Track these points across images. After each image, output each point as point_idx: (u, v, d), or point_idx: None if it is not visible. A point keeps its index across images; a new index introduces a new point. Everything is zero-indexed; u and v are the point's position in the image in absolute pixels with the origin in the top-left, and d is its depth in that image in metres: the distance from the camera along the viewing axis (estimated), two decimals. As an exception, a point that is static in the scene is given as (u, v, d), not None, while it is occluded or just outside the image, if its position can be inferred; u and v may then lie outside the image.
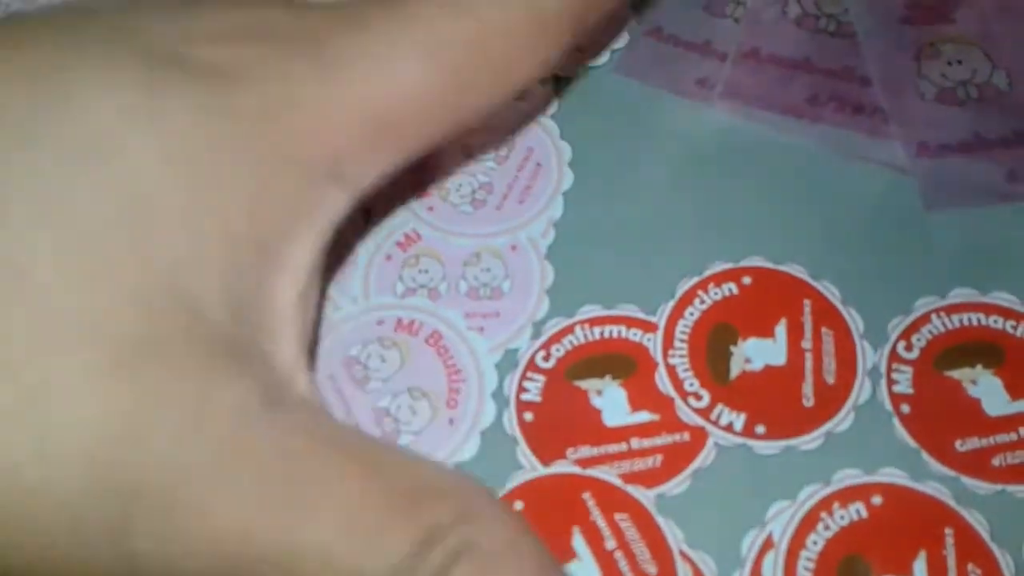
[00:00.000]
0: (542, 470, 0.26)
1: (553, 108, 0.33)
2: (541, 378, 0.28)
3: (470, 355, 0.28)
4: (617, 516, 0.25)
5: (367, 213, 0.30)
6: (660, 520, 0.25)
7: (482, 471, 0.26)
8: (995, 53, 0.34)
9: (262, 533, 0.15)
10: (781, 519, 0.25)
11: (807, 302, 0.29)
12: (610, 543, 0.25)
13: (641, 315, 0.29)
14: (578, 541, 0.25)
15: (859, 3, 0.35)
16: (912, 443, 0.26)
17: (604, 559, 0.25)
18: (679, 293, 0.29)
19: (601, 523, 0.25)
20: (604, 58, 0.34)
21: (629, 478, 0.26)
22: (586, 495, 0.26)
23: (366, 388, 0.28)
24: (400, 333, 0.29)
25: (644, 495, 0.26)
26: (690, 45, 0.34)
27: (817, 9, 0.35)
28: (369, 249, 0.30)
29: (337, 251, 0.29)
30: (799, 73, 0.33)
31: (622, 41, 0.34)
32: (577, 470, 0.26)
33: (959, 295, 0.29)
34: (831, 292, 0.29)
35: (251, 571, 0.15)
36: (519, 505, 0.26)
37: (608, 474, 0.26)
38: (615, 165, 0.32)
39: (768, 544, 0.25)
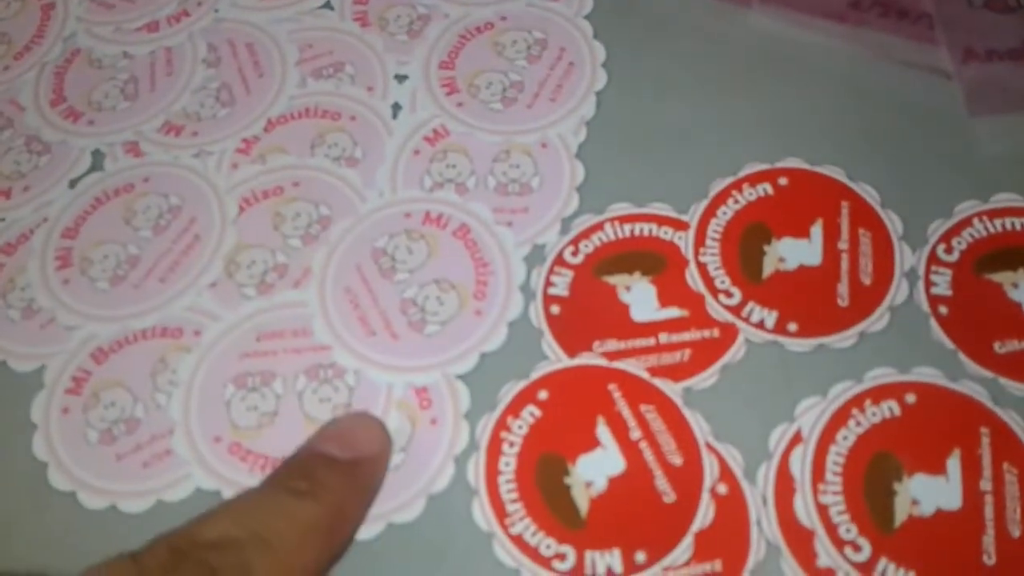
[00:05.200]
0: (568, 361, 0.26)
1: (588, 8, 0.33)
2: (569, 273, 0.27)
3: (498, 248, 0.28)
4: (643, 407, 0.25)
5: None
6: (687, 412, 0.25)
7: (508, 362, 0.26)
8: (1049, -41, 0.32)
9: None
10: (811, 415, 0.25)
11: (844, 204, 0.28)
12: (635, 433, 0.25)
13: (673, 214, 0.28)
14: (602, 430, 0.25)
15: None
16: (949, 344, 0.26)
17: (629, 448, 0.25)
18: (712, 193, 0.28)
19: (626, 413, 0.25)
20: (641, -41, 0.33)
21: (656, 371, 0.26)
22: (612, 386, 0.25)
23: (393, 279, 0.27)
24: (428, 226, 0.28)
25: (671, 388, 0.25)
26: (730, -52, 0.33)
27: (863, -87, 0.34)
28: (397, 143, 0.30)
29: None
30: (843, -23, 0.32)
31: (660, -58, 0.34)
32: (603, 362, 0.26)
33: (1002, 200, 0.28)
34: (869, 194, 0.28)
35: None
36: (543, 395, 0.25)
37: (635, 367, 0.26)
38: (650, 66, 0.31)
39: (797, 439, 0.25)
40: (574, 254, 0.28)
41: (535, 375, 0.26)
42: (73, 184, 0.30)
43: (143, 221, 0.29)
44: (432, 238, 0.28)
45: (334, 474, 0.23)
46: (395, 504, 0.24)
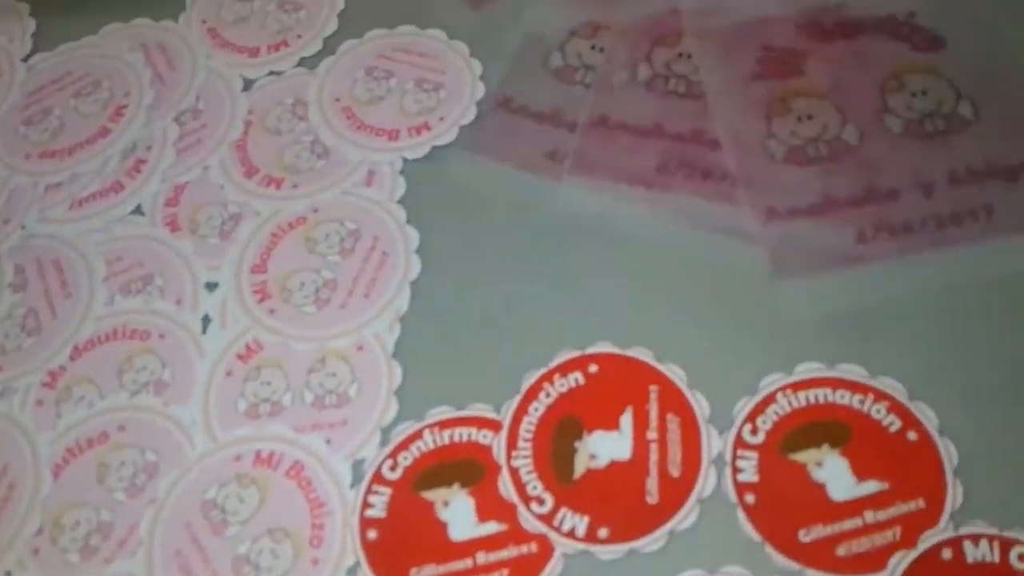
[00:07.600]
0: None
1: (400, 191, 0.33)
2: (387, 491, 0.27)
3: (334, 484, 0.27)
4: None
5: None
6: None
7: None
8: (845, 105, 0.33)
9: None
10: (625, 629, 0.25)
11: (653, 388, 0.28)
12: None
13: (492, 414, 0.28)
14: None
15: (709, 61, 0.34)
16: (756, 536, 0.26)
17: None
18: (524, 387, 0.29)
19: None
20: (452, 136, 0.33)
21: (472, 595, 0.26)
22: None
23: (224, 534, 0.27)
24: (259, 468, 0.28)
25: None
26: (540, 116, 0.34)
27: (667, 69, 0.34)
28: (208, 366, 0.29)
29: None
30: (649, 140, 0.33)
31: (470, 116, 0.34)
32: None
33: (806, 370, 0.29)
34: (677, 375, 0.29)
35: None
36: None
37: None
38: (463, 250, 0.32)
39: (611, 656, 0.25)
40: (392, 468, 0.28)
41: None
42: None
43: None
44: (263, 481, 0.27)
45: None
46: None
